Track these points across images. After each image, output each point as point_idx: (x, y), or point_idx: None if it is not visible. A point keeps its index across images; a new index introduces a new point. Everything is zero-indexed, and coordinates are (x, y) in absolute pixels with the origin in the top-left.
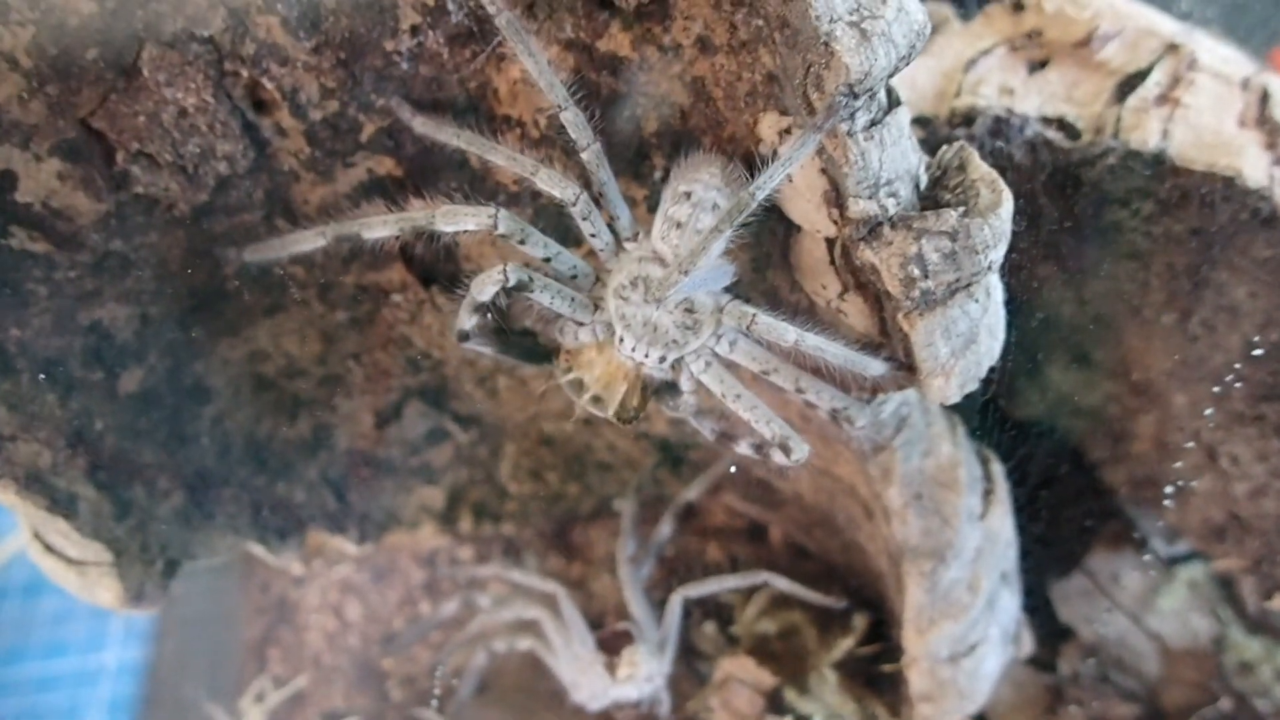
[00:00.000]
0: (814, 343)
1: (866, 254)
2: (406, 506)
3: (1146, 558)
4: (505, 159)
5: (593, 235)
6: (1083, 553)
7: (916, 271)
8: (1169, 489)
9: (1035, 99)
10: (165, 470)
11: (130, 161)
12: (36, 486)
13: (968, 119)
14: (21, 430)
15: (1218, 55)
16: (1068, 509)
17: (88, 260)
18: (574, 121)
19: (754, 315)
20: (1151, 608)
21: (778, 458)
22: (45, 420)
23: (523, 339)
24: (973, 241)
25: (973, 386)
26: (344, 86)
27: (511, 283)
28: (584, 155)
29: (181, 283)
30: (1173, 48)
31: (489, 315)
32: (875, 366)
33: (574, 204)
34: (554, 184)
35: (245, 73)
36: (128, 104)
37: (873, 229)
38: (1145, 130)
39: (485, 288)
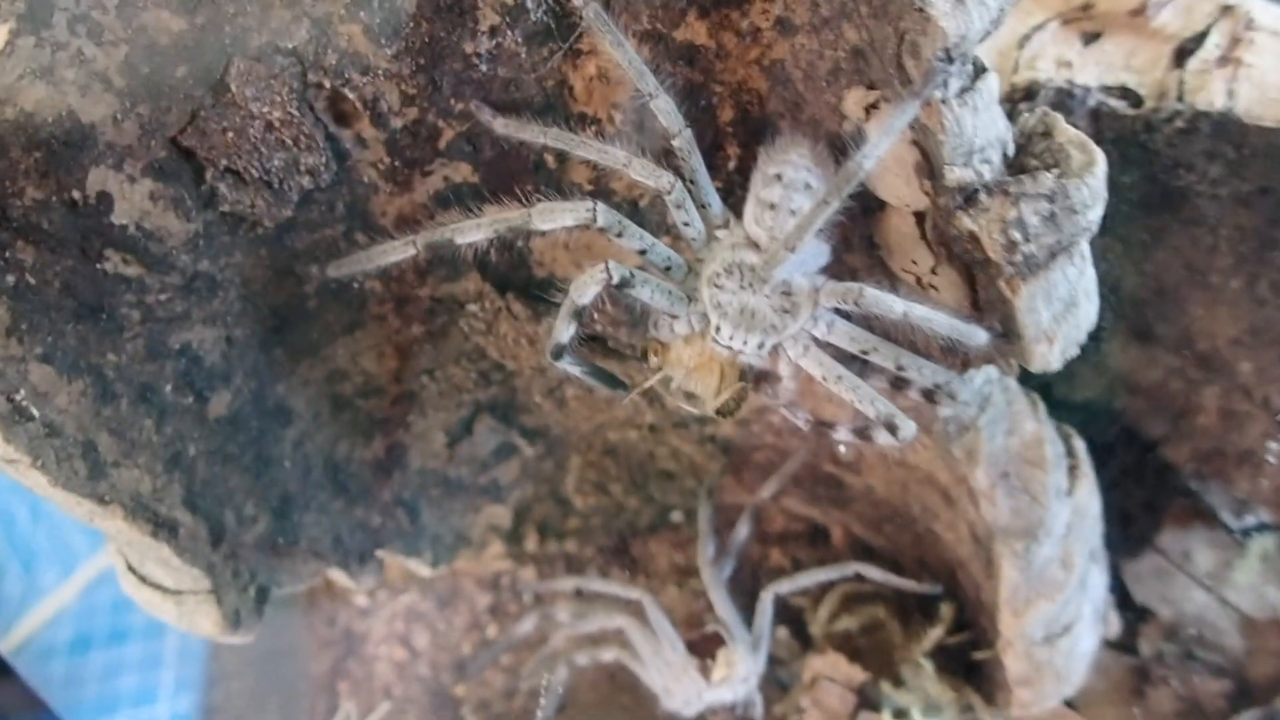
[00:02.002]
0: (921, 314)
1: (965, 222)
2: (475, 526)
3: (1217, 532)
4: (597, 153)
5: (686, 224)
6: (1152, 532)
7: (1018, 235)
8: (1237, 460)
9: (1094, 70)
10: (252, 495)
11: (218, 179)
12: (140, 512)
13: (1029, 93)
14: (123, 457)
15: (1273, 14)
16: (1133, 489)
17: (177, 282)
18: (665, 109)
19: (860, 289)
20: (1227, 582)
21: (883, 438)
22: (144, 446)
23: (606, 363)
24: (1071, 202)
25: (1074, 352)
26: (424, 93)
27: (615, 280)
28: (675, 142)
29: (264, 302)
30: (1227, 9)
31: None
32: (980, 335)
33: (669, 192)
34: (649, 174)
35: (328, 83)
36: (216, 120)
37: (969, 196)
38: (1210, 91)
39: (587, 289)
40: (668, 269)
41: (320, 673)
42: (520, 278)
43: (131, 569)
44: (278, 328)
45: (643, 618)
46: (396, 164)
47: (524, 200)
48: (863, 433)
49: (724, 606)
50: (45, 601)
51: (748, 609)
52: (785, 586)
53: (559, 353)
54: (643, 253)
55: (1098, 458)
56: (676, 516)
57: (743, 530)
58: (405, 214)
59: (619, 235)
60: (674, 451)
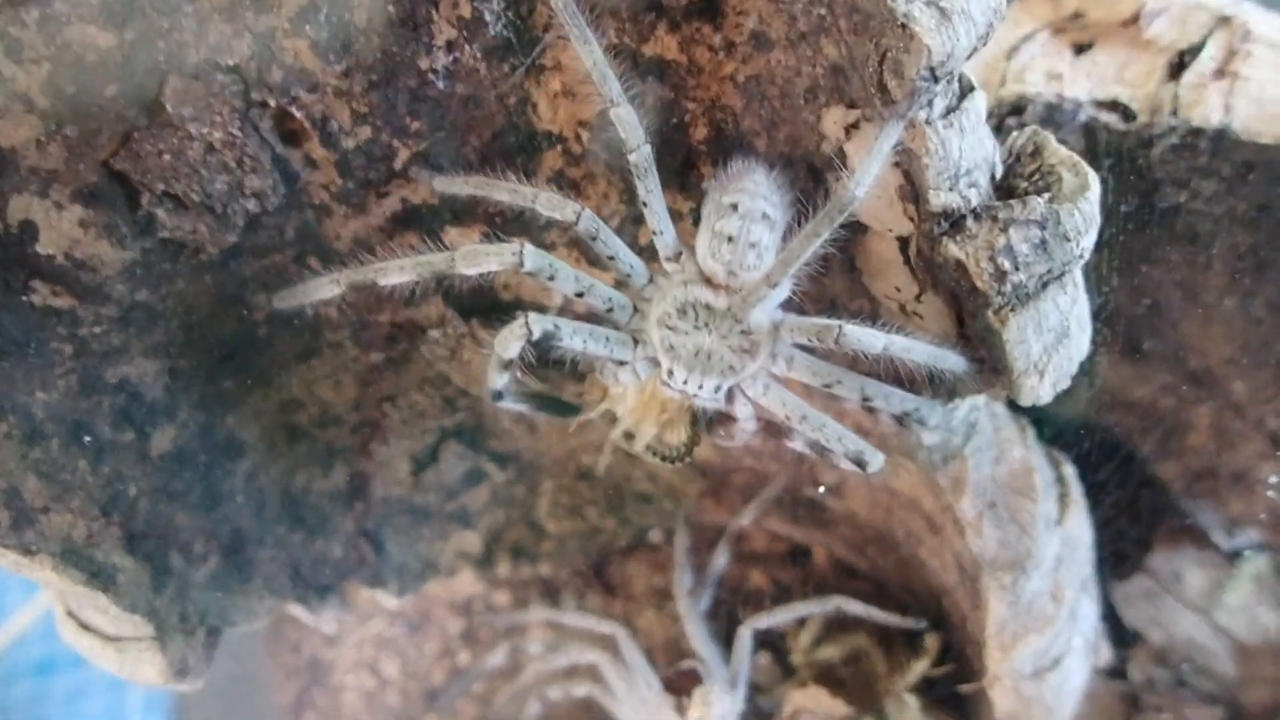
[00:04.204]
0: (902, 345)
1: (950, 249)
2: (444, 553)
3: (1207, 552)
4: (508, 194)
5: (610, 258)
6: (1141, 552)
7: (1007, 264)
8: (1230, 480)
9: (1085, 83)
10: (200, 533)
11: (155, 204)
12: (73, 560)
13: (1016, 108)
14: (54, 501)
15: (1271, 24)
16: (1121, 509)
17: (113, 313)
18: (625, 119)
19: (840, 327)
20: (1218, 604)
21: (847, 467)
22: (77, 489)
23: (554, 393)
24: (1064, 228)
25: (1065, 384)
26: (377, 111)
27: (536, 336)
28: (632, 157)
29: (210, 332)
30: (1224, 19)
31: (521, 370)
32: (958, 360)
33: (576, 223)
34: (555, 207)
35: (273, 102)
36: (151, 142)
37: (955, 222)
38: (1206, 106)
39: (509, 344)
40: (609, 310)
41: (285, 703)
42: (485, 303)
43: (70, 614)
44: (226, 357)
45: (617, 652)
46: (350, 185)
47: (486, 221)
48: (819, 448)
49: (701, 641)
50: (9, 622)
51: (727, 634)
52: (764, 621)
53: (498, 396)
54: (580, 295)
55: (1084, 474)
56: (654, 536)
57: (721, 559)
58: (361, 237)
59: (551, 279)
60: (650, 474)
